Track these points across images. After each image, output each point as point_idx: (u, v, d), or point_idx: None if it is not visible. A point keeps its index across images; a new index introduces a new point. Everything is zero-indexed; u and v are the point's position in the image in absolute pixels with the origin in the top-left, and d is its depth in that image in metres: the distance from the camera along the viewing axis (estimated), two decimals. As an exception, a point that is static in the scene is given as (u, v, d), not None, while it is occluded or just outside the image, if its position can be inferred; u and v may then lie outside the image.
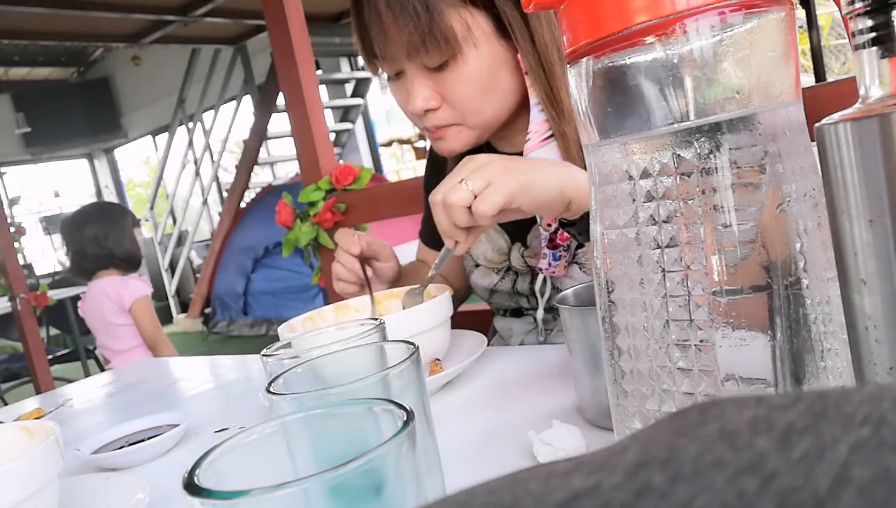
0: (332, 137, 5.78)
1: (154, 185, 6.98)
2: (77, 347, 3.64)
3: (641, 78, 0.32)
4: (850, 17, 0.28)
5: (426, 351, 0.72)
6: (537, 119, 0.84)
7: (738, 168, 0.31)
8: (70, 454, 0.66)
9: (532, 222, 0.90)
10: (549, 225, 0.84)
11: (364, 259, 0.92)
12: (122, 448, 0.71)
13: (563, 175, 0.66)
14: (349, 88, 6.70)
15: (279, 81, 1.73)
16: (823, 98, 0.89)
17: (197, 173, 6.65)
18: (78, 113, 7.80)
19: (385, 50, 0.80)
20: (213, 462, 0.27)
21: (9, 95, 7.48)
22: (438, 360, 0.76)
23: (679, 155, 0.31)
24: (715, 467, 0.12)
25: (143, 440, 0.70)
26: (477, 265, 0.99)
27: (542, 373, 0.72)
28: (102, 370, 3.32)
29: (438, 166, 1.05)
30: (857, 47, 0.28)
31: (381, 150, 7.34)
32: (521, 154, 0.86)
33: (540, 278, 0.90)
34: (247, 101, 6.30)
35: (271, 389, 0.37)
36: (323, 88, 6.57)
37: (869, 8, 0.27)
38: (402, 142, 7.66)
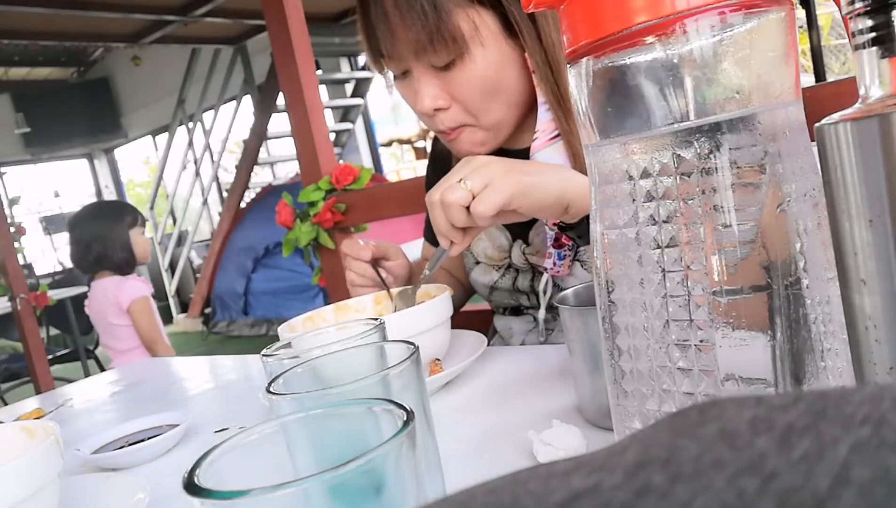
0: (332, 137, 5.78)
1: (154, 185, 6.98)
2: (77, 347, 3.64)
3: (641, 78, 0.32)
4: (850, 17, 0.28)
5: (426, 351, 0.72)
6: (544, 118, 0.84)
7: (738, 168, 0.31)
8: (70, 454, 0.66)
9: (533, 219, 0.90)
10: (556, 224, 0.85)
11: (375, 261, 0.92)
12: (122, 447, 0.71)
13: (562, 179, 0.66)
14: (349, 88, 6.70)
15: (279, 81, 1.73)
16: (823, 98, 0.89)
17: (197, 173, 6.65)
18: (78, 113, 7.80)
19: (392, 49, 0.80)
20: (213, 462, 0.27)
21: (9, 95, 7.48)
22: (438, 360, 0.76)
23: (679, 155, 0.31)
24: (715, 467, 0.12)
25: (143, 440, 0.70)
26: (477, 263, 0.99)
27: (542, 373, 0.72)
28: (103, 369, 3.32)
29: (440, 165, 1.05)
30: (857, 47, 0.28)
31: (381, 150, 7.34)
32: (526, 152, 0.87)
33: (544, 277, 0.90)
34: (247, 101, 6.30)
35: (271, 389, 0.37)
36: (323, 88, 6.57)
37: (869, 8, 0.27)
38: (402, 142, 7.66)
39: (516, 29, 0.80)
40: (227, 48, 6.16)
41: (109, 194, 9.07)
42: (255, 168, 6.41)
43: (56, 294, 3.40)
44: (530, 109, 0.86)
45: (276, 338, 0.65)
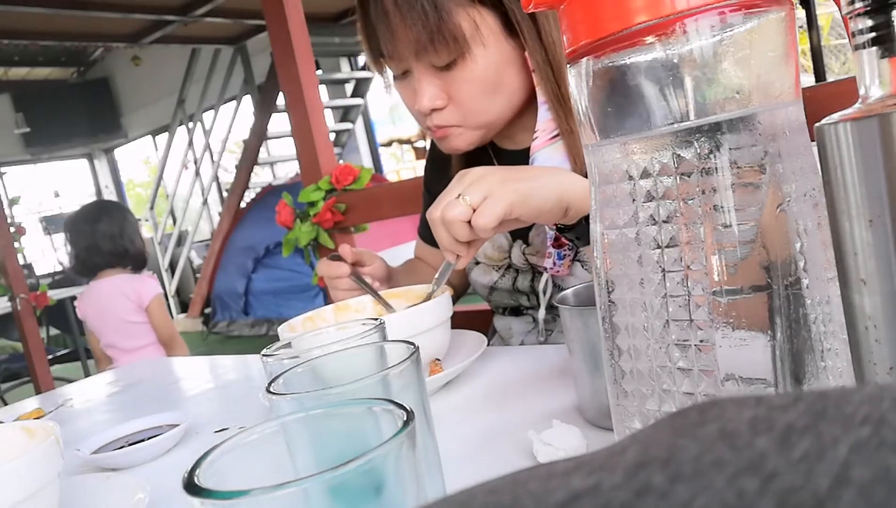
0: (332, 137, 5.78)
1: (154, 185, 6.98)
2: (77, 347, 3.64)
3: (641, 78, 0.32)
4: (850, 17, 0.28)
5: (426, 351, 0.72)
6: (544, 117, 0.84)
7: (738, 168, 0.31)
8: (70, 454, 0.66)
9: None
10: (555, 224, 0.85)
11: (354, 266, 0.92)
12: (122, 447, 0.71)
13: (560, 182, 0.66)
14: (349, 88, 6.70)
15: (279, 81, 1.73)
16: (823, 98, 0.89)
17: (197, 173, 6.65)
18: (78, 113, 7.80)
19: (392, 49, 0.80)
20: (213, 462, 0.27)
21: (9, 95, 7.48)
22: (438, 360, 0.76)
23: (679, 155, 0.31)
24: (715, 467, 0.12)
25: (143, 440, 0.70)
26: (477, 263, 0.99)
27: (542, 373, 0.72)
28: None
29: (439, 163, 1.05)
30: (857, 47, 0.28)
31: (381, 150, 7.34)
32: (526, 152, 0.87)
33: (543, 277, 0.90)
34: (247, 101, 6.30)
35: (271, 389, 0.37)
36: (323, 88, 6.57)
37: (869, 8, 0.27)
38: (402, 142, 7.66)
39: (517, 28, 0.80)
40: (227, 48, 6.16)
41: (109, 194, 9.07)
42: (255, 168, 6.41)
43: (56, 294, 3.40)
44: (530, 108, 0.86)
45: (276, 338, 0.65)
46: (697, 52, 0.30)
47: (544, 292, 0.90)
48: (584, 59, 0.33)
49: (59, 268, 7.65)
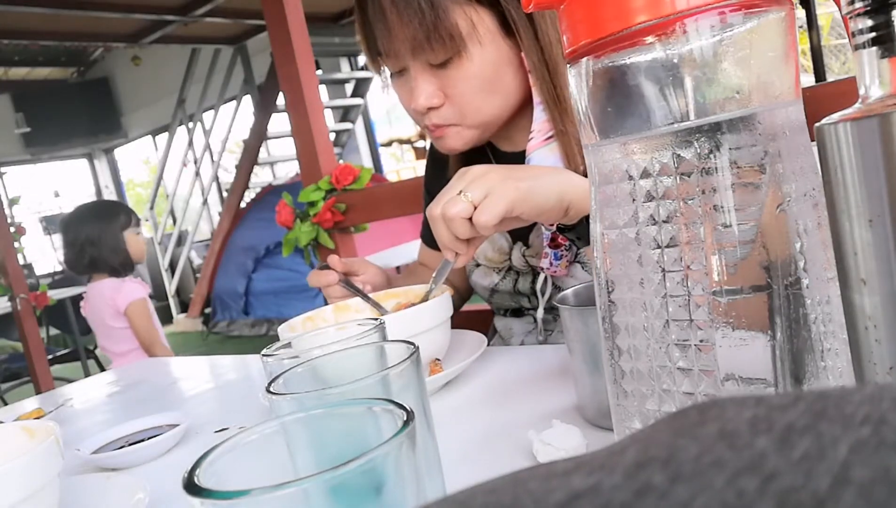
0: (332, 137, 5.79)
1: (154, 185, 6.97)
2: (77, 347, 3.64)
3: (641, 78, 0.32)
4: (850, 17, 0.28)
5: (426, 351, 0.72)
6: (540, 118, 0.84)
7: (738, 168, 0.31)
8: (70, 454, 0.66)
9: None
10: (552, 224, 0.85)
11: (346, 274, 0.92)
12: (122, 447, 0.71)
13: (560, 181, 0.66)
14: (349, 88, 6.70)
15: (279, 81, 1.73)
16: (823, 98, 0.89)
17: (197, 173, 6.65)
18: (78, 113, 7.80)
19: (389, 47, 0.80)
20: (213, 462, 0.27)
21: (9, 95, 7.48)
22: (438, 360, 0.76)
23: (679, 155, 0.31)
24: (715, 467, 0.12)
25: (143, 440, 0.70)
26: (477, 265, 0.99)
27: (542, 373, 0.72)
28: (103, 369, 3.32)
29: (439, 163, 1.05)
30: (857, 47, 0.28)
31: (381, 150, 7.34)
32: (523, 153, 0.87)
33: (541, 277, 0.89)
34: (247, 101, 6.30)
35: (271, 389, 0.37)
36: (323, 88, 6.57)
37: (869, 8, 0.27)
38: (402, 142, 7.66)
39: (514, 28, 0.80)
40: (227, 48, 6.16)
41: (109, 194, 9.07)
42: (255, 168, 6.41)
43: (56, 294, 3.40)
44: (528, 110, 0.86)
45: (276, 338, 0.65)
46: (697, 52, 0.30)
47: (542, 292, 0.90)
48: (585, 59, 0.33)
49: (59, 268, 7.65)
